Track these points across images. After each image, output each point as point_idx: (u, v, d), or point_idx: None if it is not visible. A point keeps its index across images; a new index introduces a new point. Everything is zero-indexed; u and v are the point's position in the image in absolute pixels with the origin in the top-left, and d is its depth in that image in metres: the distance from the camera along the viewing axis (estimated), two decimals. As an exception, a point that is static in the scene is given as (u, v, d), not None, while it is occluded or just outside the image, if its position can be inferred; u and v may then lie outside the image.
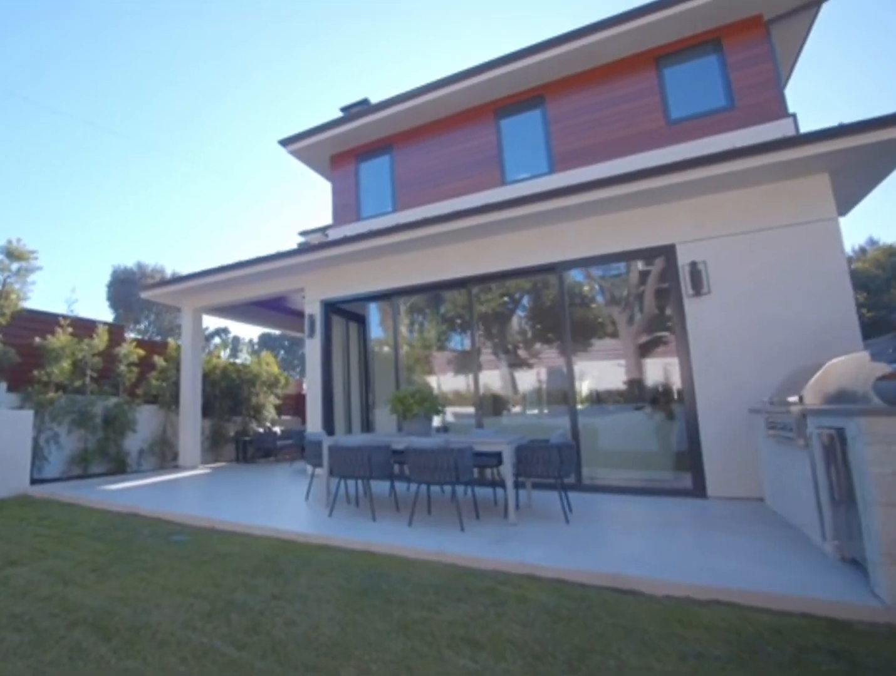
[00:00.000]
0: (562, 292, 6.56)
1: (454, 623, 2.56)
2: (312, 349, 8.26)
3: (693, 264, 5.76)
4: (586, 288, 6.98)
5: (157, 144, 56.54)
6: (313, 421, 8.11)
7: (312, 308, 8.33)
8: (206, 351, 11.79)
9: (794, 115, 6.37)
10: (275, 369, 12.83)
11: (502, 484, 5.45)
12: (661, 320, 6.46)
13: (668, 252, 5.97)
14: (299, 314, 12.36)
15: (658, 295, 6.40)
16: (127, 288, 26.30)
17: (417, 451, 4.36)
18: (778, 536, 3.89)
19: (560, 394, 6.94)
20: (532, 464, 4.59)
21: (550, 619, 2.57)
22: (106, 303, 29.23)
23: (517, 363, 7.48)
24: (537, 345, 7.47)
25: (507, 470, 4.42)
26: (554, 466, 4.51)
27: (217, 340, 31.32)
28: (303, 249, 7.75)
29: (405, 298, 7.93)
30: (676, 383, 6.03)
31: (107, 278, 29.03)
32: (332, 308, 8.46)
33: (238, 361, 12.43)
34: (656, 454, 6.14)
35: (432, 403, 5.19)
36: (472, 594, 2.93)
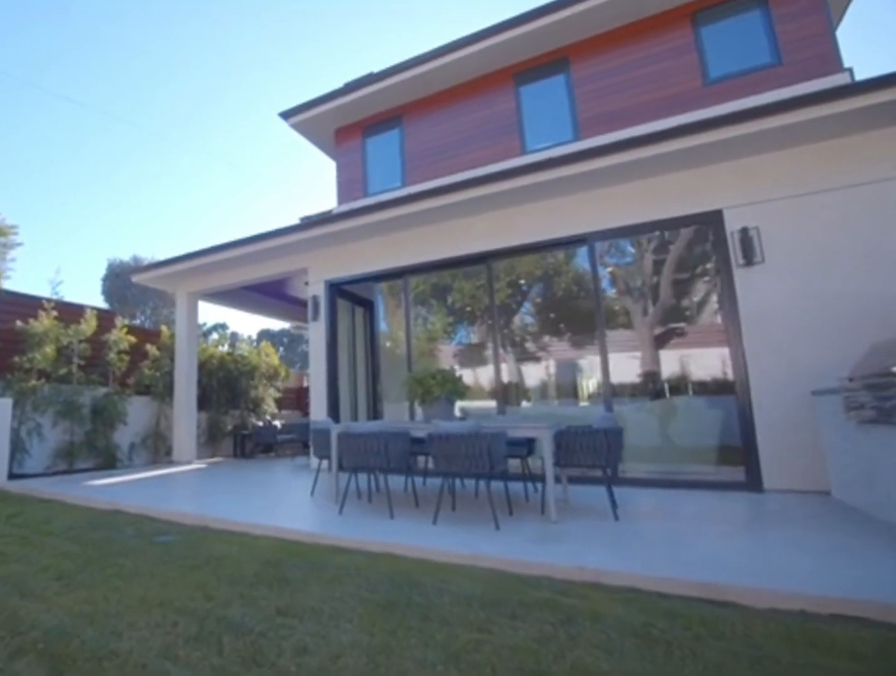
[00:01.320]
0: (593, 267, 5.94)
1: (517, 649, 1.95)
2: (316, 333, 7.64)
3: (744, 231, 5.15)
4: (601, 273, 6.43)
5: (166, 135, 55.53)
6: (317, 413, 7.49)
7: (316, 289, 7.71)
8: (203, 342, 11.16)
9: (850, 70, 5.77)
10: (275, 360, 12.21)
11: (532, 478, 4.87)
12: (700, 304, 5.90)
13: (714, 218, 5.36)
14: (301, 303, 11.74)
15: (676, 284, 5.89)
16: (122, 281, 25.65)
17: (443, 437, 3.75)
18: (867, 533, 3.28)
19: (587, 384, 6.37)
20: (574, 453, 3.99)
21: (643, 644, 1.97)
22: (101, 298, 28.57)
23: (537, 351, 6.90)
24: (557, 331, 6.88)
25: (546, 458, 3.81)
26: (600, 454, 3.91)
27: (215, 336, 30.65)
28: (306, 224, 7.13)
29: (418, 277, 7.28)
30: (718, 369, 5.49)
31: (102, 272, 28.44)
32: (337, 290, 7.84)
33: (237, 351, 11.77)
34: (700, 445, 5.54)
35: (455, 385, 4.58)
36: (530, 608, 2.32)
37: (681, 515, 4.08)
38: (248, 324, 68.03)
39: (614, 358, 5.98)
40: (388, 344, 7.86)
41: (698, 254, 5.96)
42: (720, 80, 6.37)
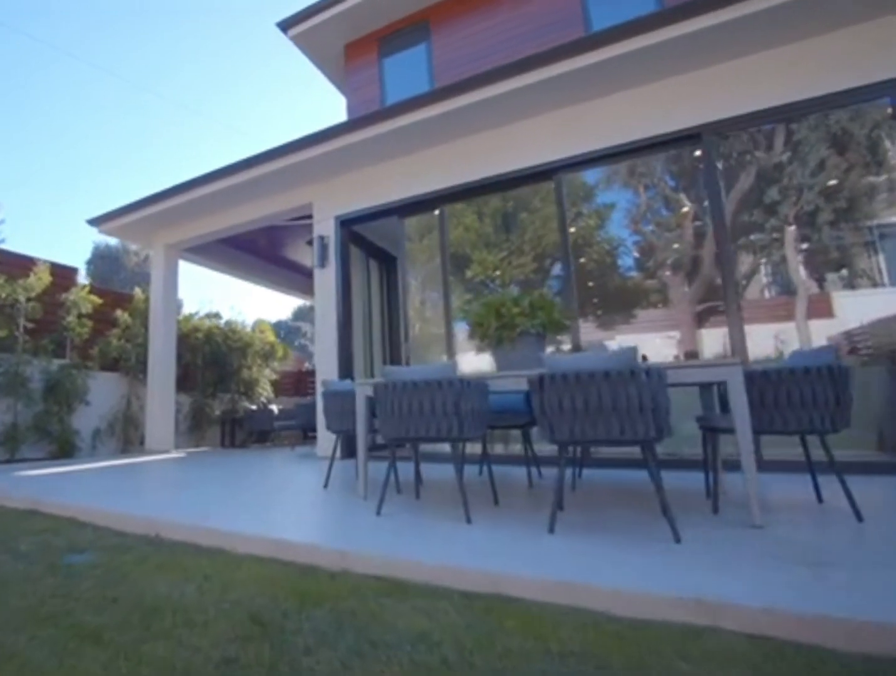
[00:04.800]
0: (711, 178, 4.31)
1: None
2: (324, 281, 5.97)
3: (953, 100, 3.55)
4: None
5: (191, 108, 53.92)
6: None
7: (324, 228, 6.04)
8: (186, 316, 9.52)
9: None
10: (271, 337, 10.59)
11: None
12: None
13: (899, 90, 3.76)
14: (300, 270, 10.11)
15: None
16: (108, 265, 23.91)
17: (570, 379, 2.12)
18: None
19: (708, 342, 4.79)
20: (777, 410, 2.37)
21: None
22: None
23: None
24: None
25: (740, 419, 2.19)
26: (825, 411, 2.29)
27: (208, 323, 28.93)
28: (309, 138, 5.47)
29: (455, 204, 5.61)
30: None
31: (87, 256, 26.66)
32: (349, 231, 6.19)
33: (226, 323, 10.09)
34: (860, 420, 3.94)
35: (551, 313, 2.94)
36: None
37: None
38: (242, 315, 65.91)
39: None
40: (420, 298, 6.20)
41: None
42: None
